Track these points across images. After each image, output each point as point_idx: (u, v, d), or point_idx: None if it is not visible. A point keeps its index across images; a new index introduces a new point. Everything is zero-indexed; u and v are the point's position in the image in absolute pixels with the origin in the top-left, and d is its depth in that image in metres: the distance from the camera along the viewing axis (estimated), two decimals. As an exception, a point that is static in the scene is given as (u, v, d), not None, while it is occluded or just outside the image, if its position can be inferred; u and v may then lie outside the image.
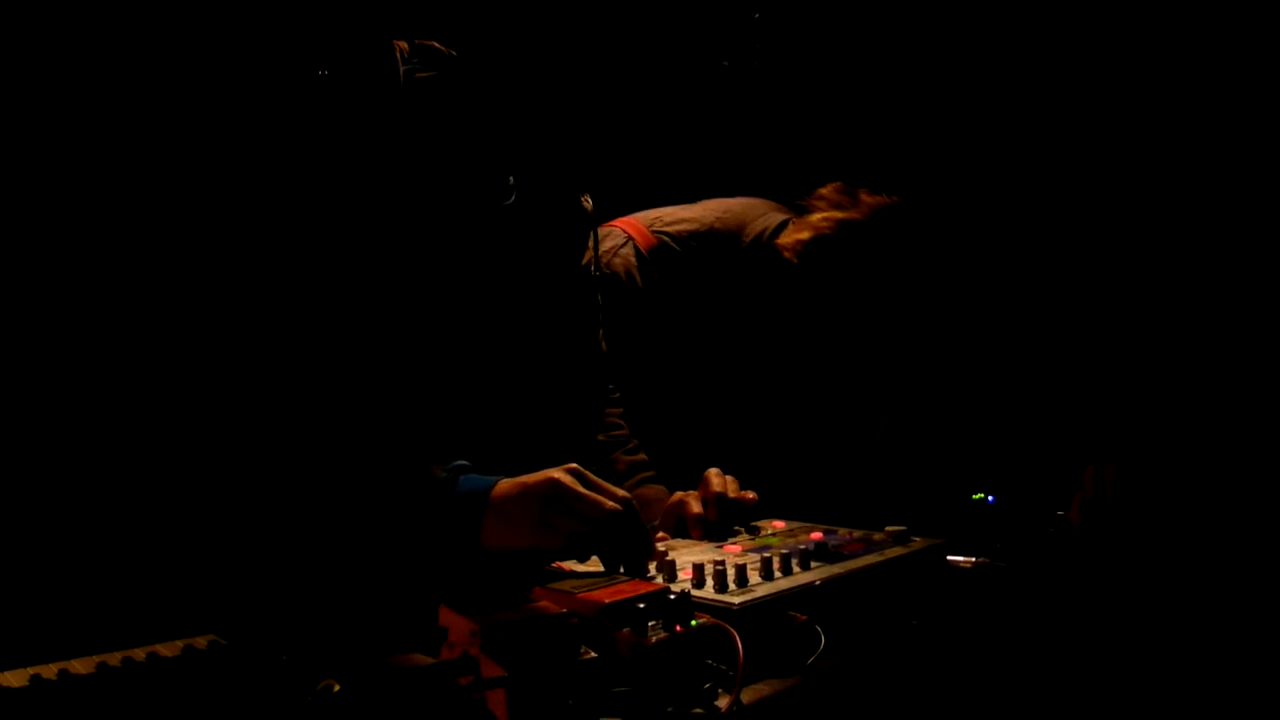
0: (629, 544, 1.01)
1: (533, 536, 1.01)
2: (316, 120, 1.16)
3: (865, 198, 1.70)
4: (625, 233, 1.73)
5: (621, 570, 0.99)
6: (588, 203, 1.51)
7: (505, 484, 1.05)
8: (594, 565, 1.07)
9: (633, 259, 1.69)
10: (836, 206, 1.70)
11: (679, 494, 1.31)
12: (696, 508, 1.26)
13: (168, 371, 1.17)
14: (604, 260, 1.67)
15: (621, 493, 1.04)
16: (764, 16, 2.18)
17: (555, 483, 1.02)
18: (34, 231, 1.22)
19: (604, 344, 1.56)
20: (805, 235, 1.69)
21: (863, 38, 2.36)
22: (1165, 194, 1.98)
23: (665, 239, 1.72)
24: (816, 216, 1.70)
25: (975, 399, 1.83)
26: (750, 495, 1.28)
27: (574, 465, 1.05)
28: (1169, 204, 1.98)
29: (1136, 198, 2.02)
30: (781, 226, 1.73)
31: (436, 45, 1.29)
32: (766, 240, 1.72)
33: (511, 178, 1.32)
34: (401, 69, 1.24)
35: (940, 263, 1.66)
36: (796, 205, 1.76)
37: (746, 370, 1.74)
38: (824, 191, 1.72)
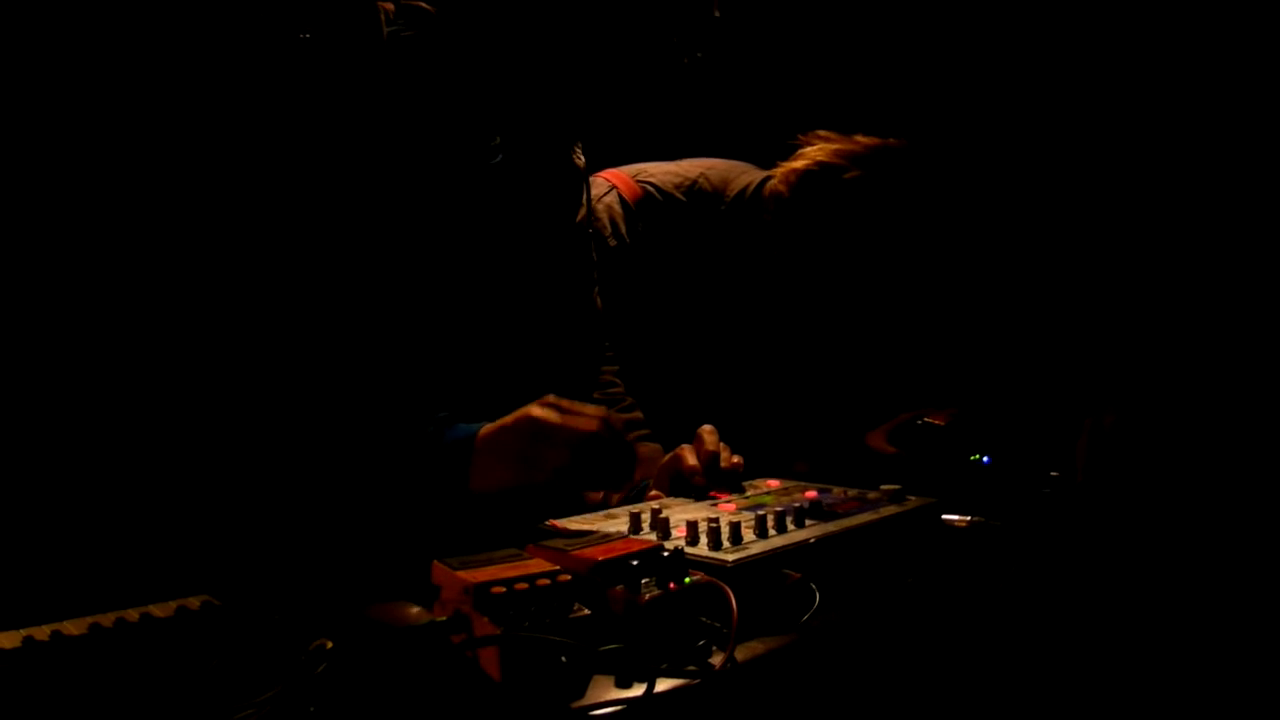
0: (611, 460, 1.04)
1: (520, 473, 1.04)
2: (300, 84, 1.14)
3: (861, 138, 1.67)
4: (609, 182, 1.71)
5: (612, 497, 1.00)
6: (579, 158, 1.49)
7: (488, 428, 1.08)
8: (587, 522, 1.07)
9: (617, 207, 1.67)
10: (830, 142, 1.67)
11: (671, 452, 1.30)
12: (692, 459, 1.26)
13: (154, 338, 1.17)
14: None
15: (597, 409, 1.07)
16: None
17: (533, 418, 1.05)
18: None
19: (599, 301, 1.55)
20: (800, 165, 1.66)
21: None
22: (1155, 151, 1.97)
23: (650, 189, 1.70)
24: (812, 149, 1.67)
25: (969, 358, 1.83)
26: (739, 460, 1.28)
27: (549, 397, 1.08)
28: (1161, 159, 1.96)
29: (1127, 152, 2.00)
30: (764, 183, 1.71)
31: (423, 6, 1.26)
32: (750, 195, 1.70)
33: (498, 137, 1.31)
34: (386, 30, 1.22)
35: (932, 207, 1.63)
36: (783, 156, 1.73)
37: (732, 325, 1.73)
38: (820, 132, 1.68)
